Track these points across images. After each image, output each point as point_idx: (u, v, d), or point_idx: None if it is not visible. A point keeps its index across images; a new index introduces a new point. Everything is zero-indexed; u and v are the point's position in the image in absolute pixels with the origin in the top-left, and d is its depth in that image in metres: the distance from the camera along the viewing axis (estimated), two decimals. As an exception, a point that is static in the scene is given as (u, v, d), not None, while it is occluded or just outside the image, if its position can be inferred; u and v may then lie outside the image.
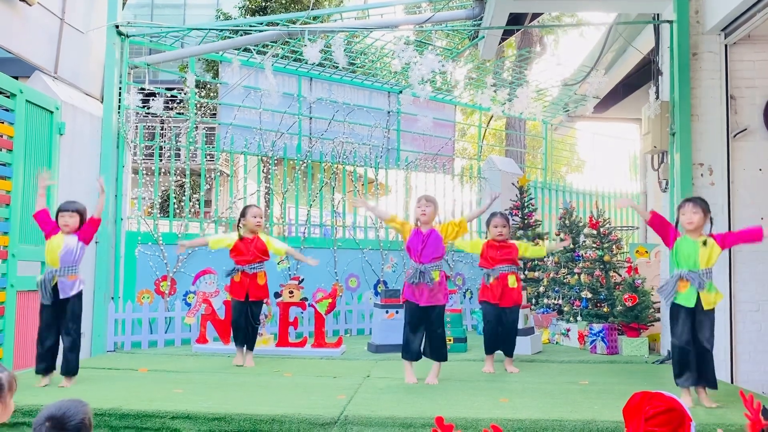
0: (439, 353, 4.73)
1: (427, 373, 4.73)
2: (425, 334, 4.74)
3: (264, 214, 9.30)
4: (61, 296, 4.46)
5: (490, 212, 5.53)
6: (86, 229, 4.59)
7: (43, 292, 4.45)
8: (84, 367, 4.78)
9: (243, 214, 5.64)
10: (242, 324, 5.52)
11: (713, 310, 4.02)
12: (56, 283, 4.47)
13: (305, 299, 6.32)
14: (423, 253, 4.67)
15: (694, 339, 3.99)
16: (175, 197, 7.33)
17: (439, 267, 4.71)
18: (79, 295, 4.56)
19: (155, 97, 7.02)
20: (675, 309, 4.09)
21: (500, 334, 5.28)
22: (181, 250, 5.86)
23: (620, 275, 6.75)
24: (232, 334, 5.70)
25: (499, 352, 5.38)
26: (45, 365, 4.49)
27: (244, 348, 5.54)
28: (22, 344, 5.18)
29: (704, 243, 4.01)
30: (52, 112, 5.80)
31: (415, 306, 4.68)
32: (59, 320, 4.51)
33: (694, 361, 3.98)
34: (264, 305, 5.86)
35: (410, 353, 4.74)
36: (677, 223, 4.21)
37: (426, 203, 4.80)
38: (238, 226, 5.66)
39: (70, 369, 4.51)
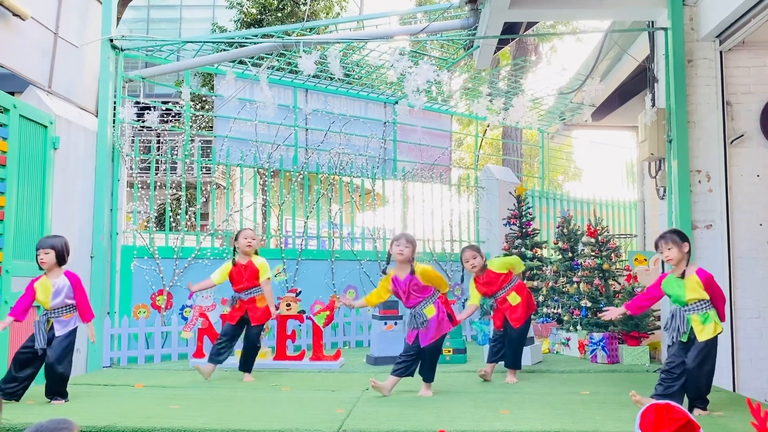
0: (426, 374, 4.65)
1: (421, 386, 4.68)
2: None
3: (261, 227, 9.26)
4: (57, 334, 4.39)
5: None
6: (79, 294, 4.49)
7: (38, 337, 4.35)
8: (79, 384, 4.73)
9: (236, 238, 5.64)
10: (223, 343, 5.40)
11: (710, 341, 3.86)
12: (51, 325, 4.40)
13: (303, 312, 6.28)
14: (408, 301, 4.65)
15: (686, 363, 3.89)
16: (171, 211, 7.28)
17: (430, 301, 4.62)
18: (74, 330, 4.46)
19: (150, 110, 7.00)
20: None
21: (505, 344, 5.26)
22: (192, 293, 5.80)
23: (619, 283, 6.72)
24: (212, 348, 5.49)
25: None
26: (12, 391, 4.29)
27: (216, 366, 5.39)
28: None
29: (682, 277, 3.93)
30: (46, 127, 5.77)
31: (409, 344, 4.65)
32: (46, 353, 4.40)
33: (681, 386, 3.89)
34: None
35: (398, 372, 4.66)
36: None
37: (406, 243, 4.62)
38: (233, 251, 5.63)
39: (55, 391, 4.37)
